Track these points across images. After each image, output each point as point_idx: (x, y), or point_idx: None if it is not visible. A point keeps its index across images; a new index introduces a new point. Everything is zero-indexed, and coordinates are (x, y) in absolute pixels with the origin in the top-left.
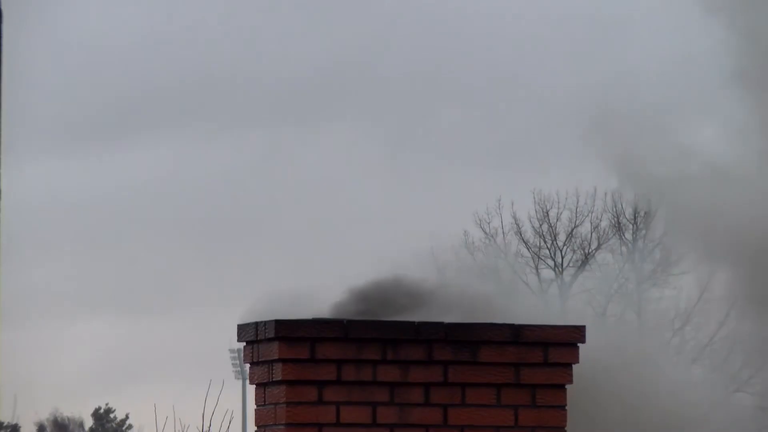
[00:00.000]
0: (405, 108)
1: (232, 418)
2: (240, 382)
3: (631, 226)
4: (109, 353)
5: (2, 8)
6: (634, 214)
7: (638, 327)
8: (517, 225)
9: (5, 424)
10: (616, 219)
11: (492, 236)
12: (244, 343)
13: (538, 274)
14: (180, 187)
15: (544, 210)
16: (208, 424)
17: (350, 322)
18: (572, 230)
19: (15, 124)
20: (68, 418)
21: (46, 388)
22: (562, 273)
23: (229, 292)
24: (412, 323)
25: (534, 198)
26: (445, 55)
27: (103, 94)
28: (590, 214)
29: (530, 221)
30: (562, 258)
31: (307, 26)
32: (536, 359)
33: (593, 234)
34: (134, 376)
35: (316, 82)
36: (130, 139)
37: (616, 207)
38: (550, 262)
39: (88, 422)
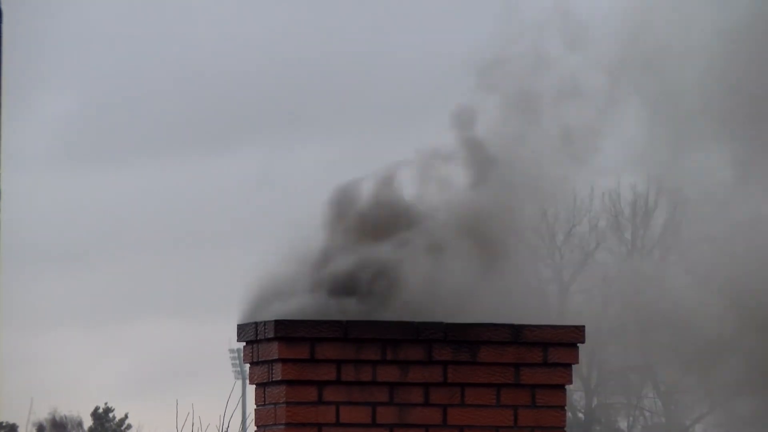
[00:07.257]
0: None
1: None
2: (240, 382)
3: (630, 226)
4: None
5: (2, 8)
6: (633, 214)
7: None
8: None
9: (4, 423)
10: (615, 219)
11: None
12: (244, 343)
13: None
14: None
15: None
16: (227, 426)
17: (350, 322)
18: (570, 230)
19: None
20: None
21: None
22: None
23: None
24: (411, 323)
25: None
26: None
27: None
28: (588, 214)
29: None
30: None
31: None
32: (536, 359)
33: (591, 233)
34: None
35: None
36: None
37: (615, 207)
38: (549, 262)
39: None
